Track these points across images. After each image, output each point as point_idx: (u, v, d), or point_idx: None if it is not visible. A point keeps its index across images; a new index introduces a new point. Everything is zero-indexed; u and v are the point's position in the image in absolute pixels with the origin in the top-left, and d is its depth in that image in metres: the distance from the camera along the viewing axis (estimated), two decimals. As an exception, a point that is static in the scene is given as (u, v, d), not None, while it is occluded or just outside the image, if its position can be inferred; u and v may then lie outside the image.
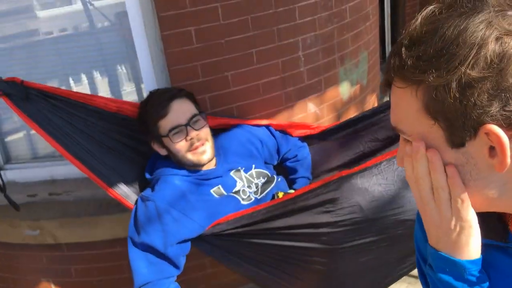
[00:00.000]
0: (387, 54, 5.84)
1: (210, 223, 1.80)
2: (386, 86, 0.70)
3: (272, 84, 2.35)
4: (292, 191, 2.03)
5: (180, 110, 1.87)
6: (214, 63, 2.20)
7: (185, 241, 1.78)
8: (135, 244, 1.79)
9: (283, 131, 2.24)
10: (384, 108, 2.12)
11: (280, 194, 1.97)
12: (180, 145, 1.86)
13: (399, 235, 1.69)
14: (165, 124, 1.86)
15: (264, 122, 2.23)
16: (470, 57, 0.57)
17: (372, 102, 3.10)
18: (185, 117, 1.86)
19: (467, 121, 0.60)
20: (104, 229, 2.37)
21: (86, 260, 2.50)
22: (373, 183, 1.66)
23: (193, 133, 1.85)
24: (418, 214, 0.80)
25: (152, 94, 1.97)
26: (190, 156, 1.88)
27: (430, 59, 0.60)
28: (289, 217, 1.72)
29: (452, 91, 0.59)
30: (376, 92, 3.23)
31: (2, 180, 2.07)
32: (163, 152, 1.94)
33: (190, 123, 1.86)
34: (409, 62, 0.62)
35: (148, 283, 1.73)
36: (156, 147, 1.94)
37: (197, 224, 1.79)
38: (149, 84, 2.25)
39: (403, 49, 0.63)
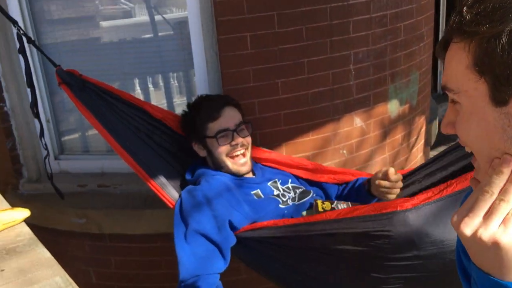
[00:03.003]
0: (438, 84, 5.75)
1: (254, 218, 1.83)
2: (443, 47, 0.73)
3: (321, 94, 2.39)
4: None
5: (230, 116, 1.98)
6: (266, 69, 2.26)
7: (233, 229, 1.79)
8: (183, 236, 1.77)
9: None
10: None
11: (319, 202, 1.96)
12: (222, 148, 1.95)
13: (453, 271, 1.63)
14: (215, 126, 1.95)
15: (296, 160, 2.21)
16: None
17: (420, 124, 3.07)
18: (233, 123, 1.97)
19: None
20: (147, 224, 2.44)
21: (126, 253, 2.58)
22: (431, 220, 1.55)
23: (238, 139, 1.95)
24: None
25: (203, 98, 2.07)
26: (229, 163, 1.96)
27: (487, 13, 0.63)
28: (333, 241, 1.67)
29: (502, 43, 0.61)
30: (426, 114, 3.20)
31: (51, 169, 2.18)
32: (202, 153, 2.02)
33: (237, 130, 1.96)
34: (467, 17, 0.65)
35: (197, 276, 1.68)
36: (197, 148, 2.02)
37: (242, 216, 1.83)
38: (202, 86, 2.34)
39: (464, 7, 0.66)
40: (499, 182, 0.66)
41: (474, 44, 0.65)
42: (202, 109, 1.99)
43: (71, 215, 2.53)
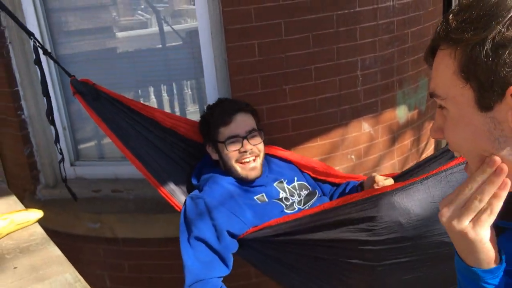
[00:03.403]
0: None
1: (256, 224, 1.86)
2: (430, 53, 0.76)
3: (329, 100, 2.43)
4: None
5: (242, 122, 2.00)
6: (274, 76, 2.31)
7: (233, 236, 1.84)
8: (187, 241, 1.84)
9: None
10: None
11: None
12: (232, 154, 1.97)
13: (443, 255, 1.65)
14: (226, 131, 1.99)
15: (306, 160, 2.26)
16: (507, 18, 0.64)
17: (429, 129, 3.08)
18: (244, 129, 1.99)
19: (496, 80, 0.65)
20: (159, 228, 2.50)
21: (139, 257, 2.64)
22: (417, 201, 1.61)
23: (247, 146, 1.97)
24: None
25: (221, 101, 2.13)
26: (239, 168, 1.98)
27: (472, 21, 0.67)
28: (331, 229, 1.72)
29: (486, 49, 0.64)
30: (436, 120, 3.20)
31: (65, 172, 2.26)
32: (214, 156, 2.06)
33: (247, 136, 1.98)
34: (453, 25, 0.69)
35: (201, 280, 1.75)
36: (210, 150, 2.07)
37: (244, 223, 1.86)
38: (211, 93, 2.40)
39: (450, 15, 0.70)
40: (480, 180, 0.70)
41: (460, 50, 0.68)
42: (216, 113, 2.04)
43: (86, 220, 2.61)
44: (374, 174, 1.97)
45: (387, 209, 1.61)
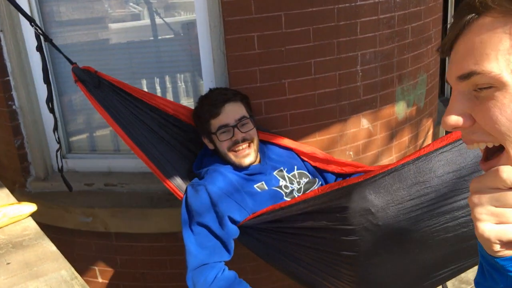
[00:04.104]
0: (445, 89, 5.72)
1: (256, 210, 1.86)
2: (459, 31, 0.67)
3: (328, 95, 2.39)
4: None
5: (231, 112, 2.00)
6: (273, 69, 2.27)
7: (234, 223, 1.85)
8: (189, 228, 1.86)
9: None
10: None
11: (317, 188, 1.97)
12: (224, 144, 1.98)
13: (430, 243, 1.62)
14: (215, 123, 1.99)
15: (308, 149, 2.24)
16: None
17: (428, 126, 3.06)
18: (234, 118, 1.98)
19: None
20: (153, 223, 2.45)
21: (132, 252, 2.59)
22: (385, 190, 1.56)
23: (238, 135, 1.97)
24: None
25: (211, 92, 2.10)
26: (232, 157, 1.99)
27: None
28: (312, 219, 1.71)
29: None
30: (433, 117, 3.18)
31: (62, 162, 2.21)
32: (211, 146, 2.06)
33: (237, 125, 1.98)
34: None
35: (205, 264, 1.80)
36: (206, 141, 2.07)
37: (244, 210, 1.86)
38: (209, 86, 2.34)
39: None
40: None
41: None
42: (205, 105, 2.03)
43: (78, 214, 2.55)
44: None
45: (356, 200, 1.58)
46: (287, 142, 2.23)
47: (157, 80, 2.66)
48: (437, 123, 3.34)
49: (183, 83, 2.65)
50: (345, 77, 2.40)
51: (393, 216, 1.55)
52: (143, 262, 2.60)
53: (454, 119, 0.69)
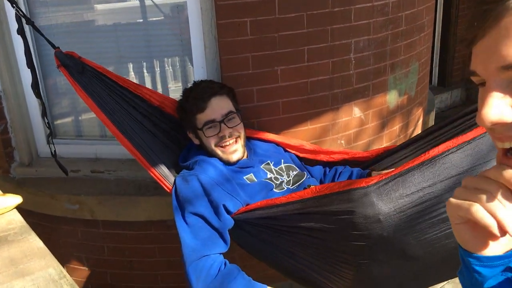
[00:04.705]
0: (433, 77, 5.69)
1: (248, 202, 1.83)
2: (495, 17, 0.59)
3: (320, 83, 2.35)
4: None
5: (217, 106, 1.94)
6: (266, 56, 2.21)
7: (228, 213, 1.79)
8: (183, 220, 1.79)
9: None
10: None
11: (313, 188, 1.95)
12: (211, 139, 1.93)
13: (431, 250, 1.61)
14: (202, 118, 1.93)
15: (294, 141, 2.22)
16: None
17: (418, 115, 3.04)
18: (220, 113, 1.93)
19: None
20: (141, 211, 2.41)
21: (120, 240, 2.54)
22: (388, 197, 1.53)
23: (225, 130, 1.92)
24: None
25: (196, 85, 2.03)
26: (220, 152, 1.94)
27: None
28: (311, 220, 1.66)
29: None
30: (424, 105, 3.17)
31: (54, 147, 2.15)
32: (196, 141, 2.02)
33: (224, 120, 1.92)
34: None
35: (205, 256, 1.71)
36: (191, 136, 2.02)
37: (237, 200, 1.82)
38: (199, 71, 2.29)
39: None
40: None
41: None
42: (190, 99, 1.97)
43: (64, 201, 2.49)
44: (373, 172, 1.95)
45: (363, 205, 1.54)
46: (272, 136, 2.19)
47: (144, 65, 2.59)
48: (427, 112, 3.33)
49: (171, 67, 2.58)
50: (338, 65, 2.36)
51: (396, 223, 1.53)
52: (130, 250, 2.56)
53: (497, 115, 0.60)
